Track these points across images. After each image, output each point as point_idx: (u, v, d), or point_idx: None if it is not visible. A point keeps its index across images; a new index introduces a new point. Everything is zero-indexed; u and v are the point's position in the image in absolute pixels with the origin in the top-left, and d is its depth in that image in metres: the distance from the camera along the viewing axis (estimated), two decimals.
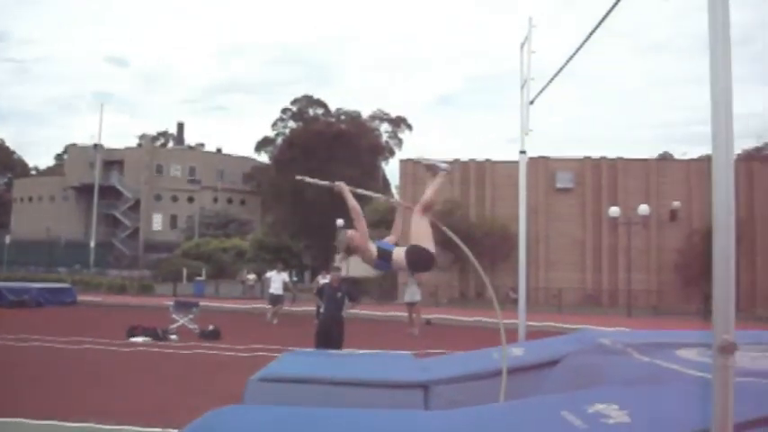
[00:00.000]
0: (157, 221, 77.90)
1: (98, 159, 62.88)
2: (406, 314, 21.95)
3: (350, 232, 5.55)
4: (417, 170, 39.94)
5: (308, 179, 6.04)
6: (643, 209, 33.47)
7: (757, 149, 56.30)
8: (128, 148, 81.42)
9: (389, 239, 5.72)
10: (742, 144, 61.12)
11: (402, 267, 5.47)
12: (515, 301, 10.32)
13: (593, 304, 36.08)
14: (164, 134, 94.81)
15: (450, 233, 6.00)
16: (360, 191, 5.96)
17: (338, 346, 12.02)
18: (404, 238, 5.66)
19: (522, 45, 10.31)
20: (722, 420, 3.11)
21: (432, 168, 5.74)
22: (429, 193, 5.63)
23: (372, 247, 5.36)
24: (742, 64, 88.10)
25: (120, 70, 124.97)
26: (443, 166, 5.76)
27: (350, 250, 5.50)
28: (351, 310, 13.22)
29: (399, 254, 5.41)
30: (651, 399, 4.54)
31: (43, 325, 19.16)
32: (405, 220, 5.77)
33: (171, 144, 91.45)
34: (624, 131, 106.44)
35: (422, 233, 5.41)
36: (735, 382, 3.14)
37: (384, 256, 5.39)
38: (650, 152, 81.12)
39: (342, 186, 5.66)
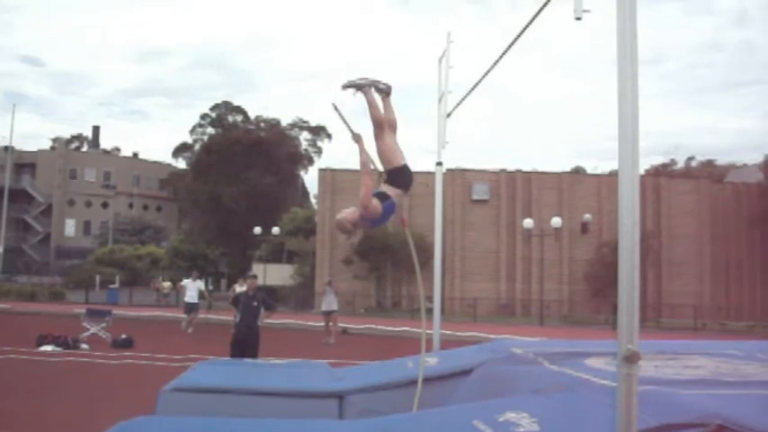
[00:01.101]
0: (70, 227, 75.55)
1: (9, 161, 60.77)
2: (322, 323, 21.91)
3: (342, 214, 5.41)
4: (336, 179, 39.98)
5: (339, 112, 5.67)
6: (556, 221, 34.28)
7: (664, 166, 58.45)
8: (40, 151, 78.73)
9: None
10: (650, 160, 63.37)
11: (400, 196, 5.37)
12: (430, 311, 10.38)
13: (506, 314, 36.64)
14: (78, 137, 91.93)
15: (412, 245, 6.01)
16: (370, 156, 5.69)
17: (254, 355, 11.91)
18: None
19: (440, 59, 10.44)
20: (626, 427, 3.21)
21: (376, 89, 5.59)
22: (374, 112, 5.50)
23: (376, 201, 5.27)
24: (652, 83, 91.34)
25: (35, 70, 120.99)
26: (381, 84, 5.66)
27: (355, 225, 5.32)
28: (267, 319, 13.10)
29: (388, 188, 5.33)
30: (560, 407, 4.64)
31: None
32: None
33: (85, 148, 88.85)
34: (539, 145, 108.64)
35: (387, 153, 5.38)
36: (639, 391, 3.24)
37: (385, 198, 5.30)
38: (563, 166, 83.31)
39: (360, 139, 5.50)
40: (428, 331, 9.66)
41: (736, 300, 39.13)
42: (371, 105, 5.51)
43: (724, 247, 39.83)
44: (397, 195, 5.34)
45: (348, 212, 5.33)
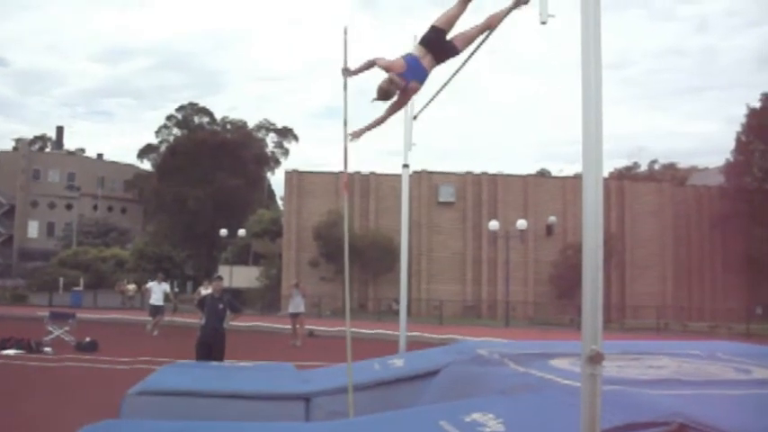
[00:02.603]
0: (33, 229, 74.46)
1: None
2: (289, 326, 21.85)
3: (384, 80, 5.47)
4: (302, 181, 39.93)
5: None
6: (521, 223, 34.47)
7: (628, 168, 59.16)
8: (3, 152, 77.56)
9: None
10: (614, 163, 64.12)
11: (424, 57, 5.41)
12: (398, 313, 10.41)
13: (472, 315, 36.80)
14: (42, 138, 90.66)
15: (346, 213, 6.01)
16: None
17: (220, 358, 11.83)
18: None
19: None
20: (590, 427, 3.24)
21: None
22: None
23: (396, 58, 5.35)
24: (616, 87, 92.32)
25: None
26: None
27: (395, 85, 5.43)
28: (233, 322, 13.02)
29: (417, 48, 5.44)
30: (525, 408, 4.68)
31: None
32: None
33: (49, 148, 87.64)
34: (504, 148, 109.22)
35: (449, 18, 5.39)
36: (603, 391, 3.28)
37: (411, 59, 5.37)
38: (528, 168, 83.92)
39: (376, 61, 5.62)
40: (395, 332, 9.69)
41: (698, 300, 39.76)
42: None
43: (686, 248, 40.47)
44: (422, 55, 5.41)
45: (381, 81, 5.46)
